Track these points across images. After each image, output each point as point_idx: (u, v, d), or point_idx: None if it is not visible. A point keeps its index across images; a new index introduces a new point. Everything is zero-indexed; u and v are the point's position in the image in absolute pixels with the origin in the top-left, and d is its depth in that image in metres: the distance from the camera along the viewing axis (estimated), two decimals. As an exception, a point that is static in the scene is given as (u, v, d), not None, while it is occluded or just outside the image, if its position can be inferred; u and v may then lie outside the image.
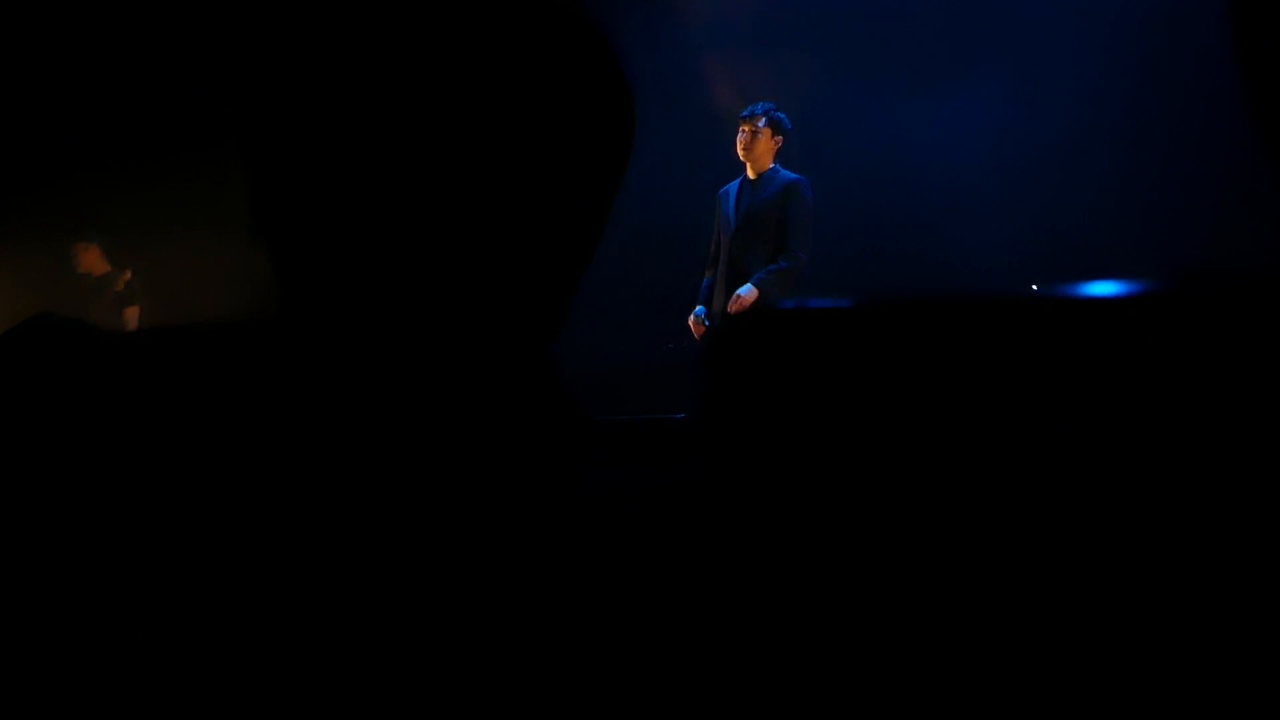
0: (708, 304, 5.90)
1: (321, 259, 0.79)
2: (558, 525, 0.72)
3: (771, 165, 5.86)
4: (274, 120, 0.80)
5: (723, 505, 0.60)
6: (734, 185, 5.91)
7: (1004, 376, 0.54)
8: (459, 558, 0.70)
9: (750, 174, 5.86)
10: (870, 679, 0.57)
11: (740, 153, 5.84)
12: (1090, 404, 0.53)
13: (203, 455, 0.70)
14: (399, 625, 0.68)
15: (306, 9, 0.80)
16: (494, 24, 0.80)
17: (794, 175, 5.85)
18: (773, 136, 5.84)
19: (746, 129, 5.83)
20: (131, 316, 7.66)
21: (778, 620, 0.59)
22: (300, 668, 0.68)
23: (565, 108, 0.81)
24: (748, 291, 5.70)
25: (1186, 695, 0.54)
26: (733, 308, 5.68)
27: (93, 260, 7.82)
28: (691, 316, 5.91)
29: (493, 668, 0.68)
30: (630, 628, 0.69)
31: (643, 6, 7.23)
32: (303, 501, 0.70)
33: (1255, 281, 0.53)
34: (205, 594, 0.68)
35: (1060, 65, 7.09)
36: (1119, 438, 0.53)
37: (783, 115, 5.91)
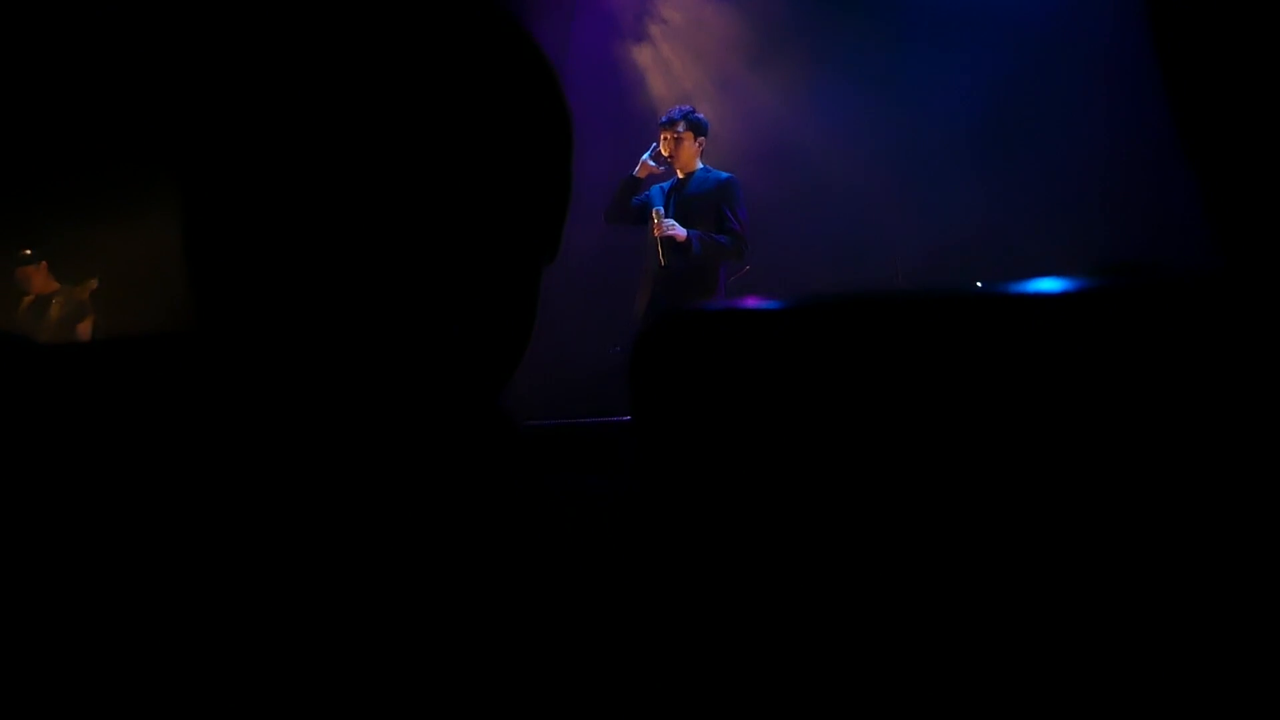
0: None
1: (250, 271, 0.76)
2: (492, 530, 0.70)
3: (699, 165, 5.85)
4: (206, 130, 0.78)
5: (651, 511, 0.59)
6: (661, 185, 5.88)
7: (940, 376, 0.53)
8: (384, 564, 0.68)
9: (679, 174, 5.85)
10: (806, 679, 0.55)
11: (666, 158, 5.82)
12: (1031, 404, 0.52)
13: (137, 469, 0.69)
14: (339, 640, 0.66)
15: (247, 20, 0.77)
16: (427, 38, 0.77)
17: (725, 174, 5.84)
18: (695, 139, 5.83)
19: (668, 136, 5.81)
20: (84, 330, 7.48)
21: (711, 625, 0.57)
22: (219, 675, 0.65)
23: (504, 123, 0.79)
24: (679, 229, 5.65)
25: (1156, 696, 0.52)
26: (658, 230, 5.66)
27: (41, 280, 7.65)
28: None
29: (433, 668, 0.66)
30: (571, 629, 0.67)
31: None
32: (229, 516, 0.68)
33: (1198, 275, 0.52)
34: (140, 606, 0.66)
35: (980, 55, 7.17)
36: (1056, 439, 0.52)
37: (701, 117, 5.91)
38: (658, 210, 5.72)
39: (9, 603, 0.65)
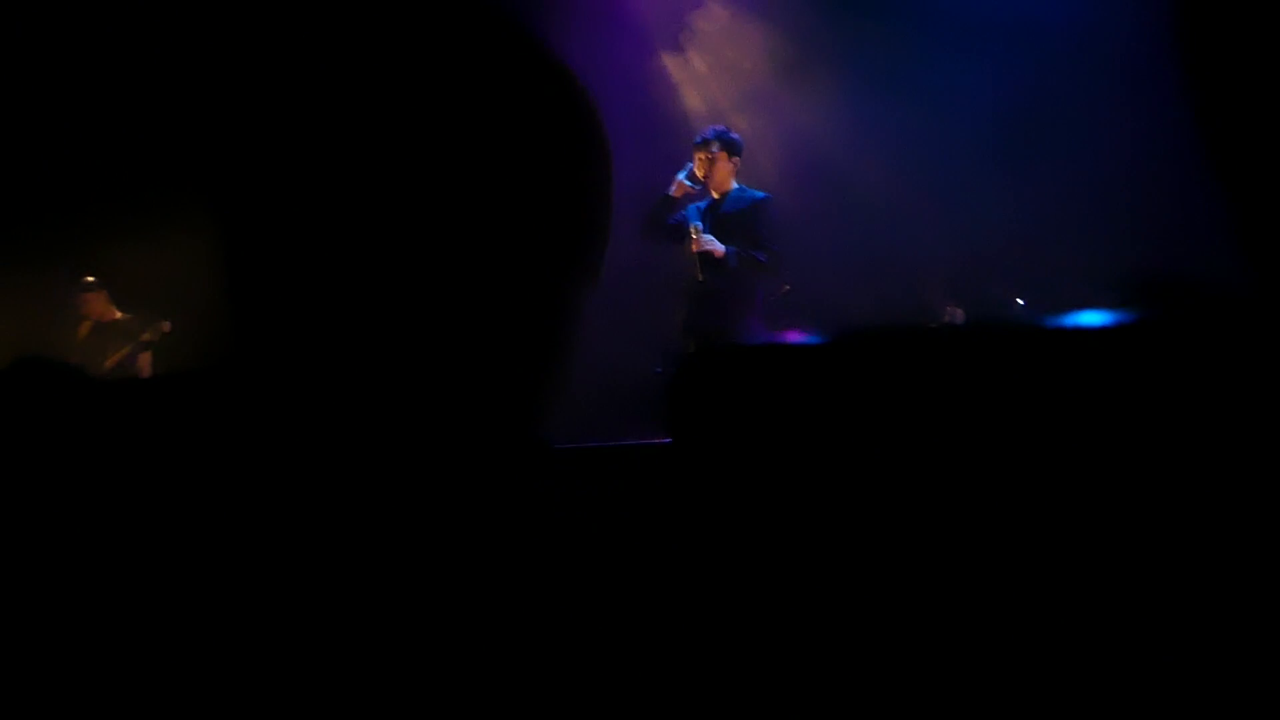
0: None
1: (292, 294, 0.76)
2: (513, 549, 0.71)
3: (734, 185, 5.83)
4: (246, 159, 0.78)
5: (687, 534, 0.59)
6: (698, 204, 5.85)
7: (978, 411, 0.53)
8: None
9: (714, 194, 5.82)
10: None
11: (701, 179, 5.79)
12: (1070, 442, 0.52)
13: (172, 496, 0.69)
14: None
15: (281, 38, 0.78)
16: (468, 67, 0.78)
17: (761, 193, 5.83)
18: (729, 159, 5.80)
19: (702, 156, 5.78)
20: (145, 363, 7.45)
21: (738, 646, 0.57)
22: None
23: (546, 159, 0.79)
24: (716, 244, 5.65)
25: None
26: (696, 245, 5.66)
27: (101, 306, 7.63)
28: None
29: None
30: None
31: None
32: (260, 543, 0.69)
33: (1229, 300, 0.51)
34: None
35: (1007, 66, 7.13)
36: (1098, 466, 0.52)
37: (735, 136, 5.89)
38: (695, 225, 5.71)
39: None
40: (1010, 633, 0.53)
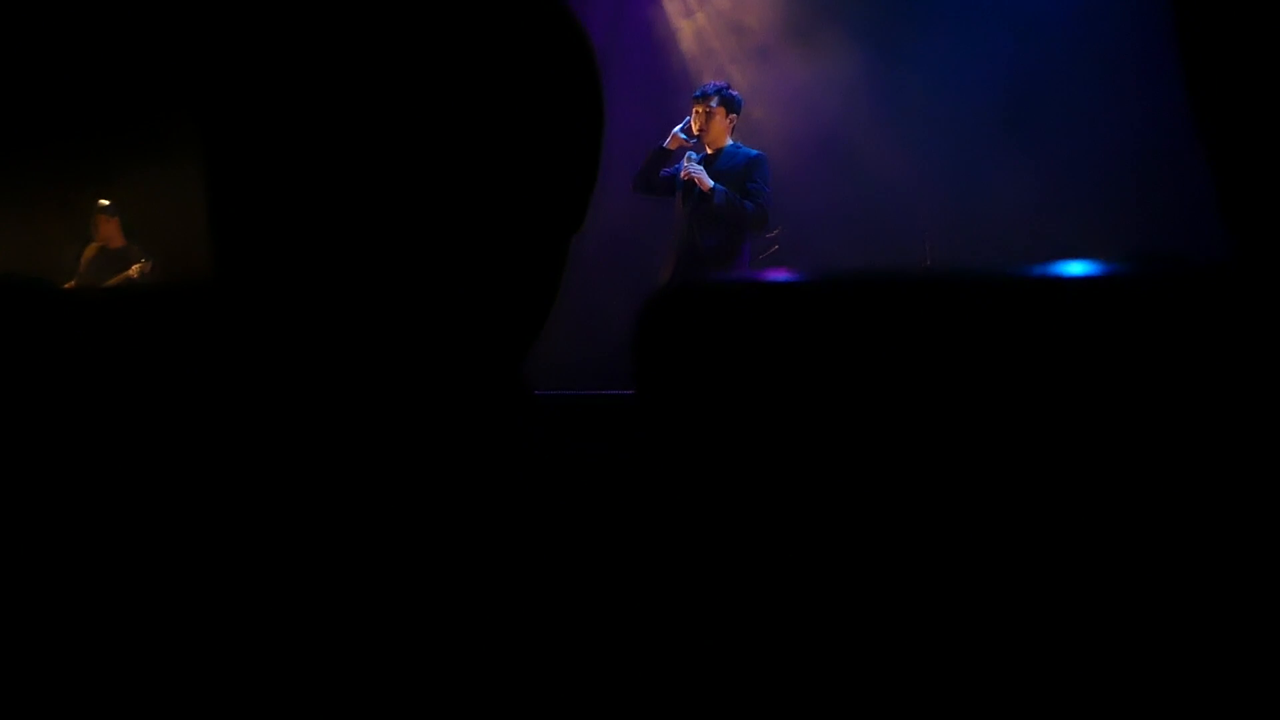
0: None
1: (271, 225, 0.76)
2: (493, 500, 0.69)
3: (729, 142, 5.85)
4: (230, 79, 0.77)
5: (653, 483, 0.58)
6: (691, 156, 5.85)
7: (960, 360, 0.51)
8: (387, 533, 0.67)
9: (709, 150, 5.84)
10: (808, 657, 0.54)
11: (696, 132, 5.82)
12: (1049, 388, 0.50)
13: (149, 423, 0.68)
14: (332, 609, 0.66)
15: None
16: (462, 13, 0.76)
17: (754, 151, 5.85)
18: (727, 115, 5.83)
19: (700, 110, 5.81)
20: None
21: (713, 605, 0.56)
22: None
23: (534, 90, 0.78)
24: (705, 177, 5.69)
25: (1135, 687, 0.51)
26: (685, 173, 5.72)
27: (111, 232, 7.64)
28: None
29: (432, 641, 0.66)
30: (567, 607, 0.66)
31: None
32: (239, 475, 0.68)
33: (1219, 265, 0.50)
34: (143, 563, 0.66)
35: (1009, 40, 7.12)
36: (1073, 425, 0.50)
37: (735, 93, 5.93)
38: (690, 156, 5.76)
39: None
40: (980, 591, 0.52)
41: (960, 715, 0.52)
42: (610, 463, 0.71)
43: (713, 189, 5.68)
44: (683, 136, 5.80)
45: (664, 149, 5.84)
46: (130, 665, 0.65)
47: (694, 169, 5.72)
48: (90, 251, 7.70)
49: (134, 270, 7.45)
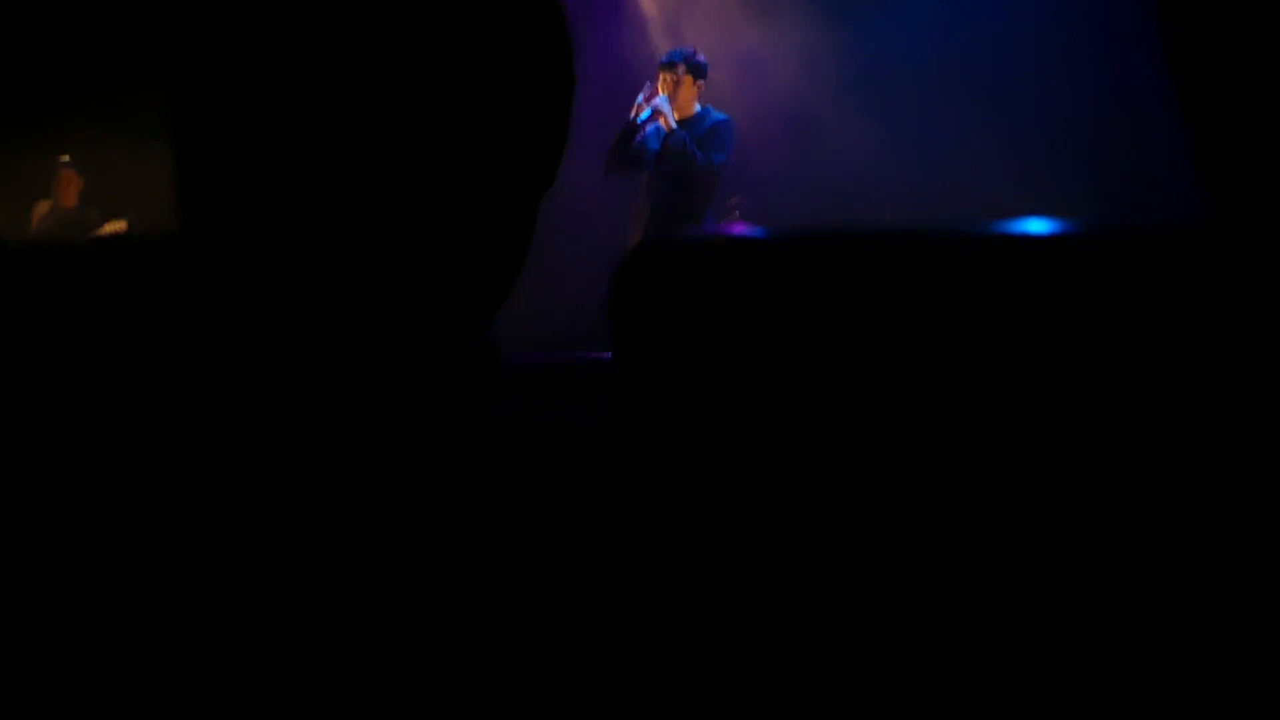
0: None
1: (235, 185, 0.75)
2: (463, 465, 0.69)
3: (698, 108, 5.82)
4: (199, 42, 0.76)
5: (629, 445, 0.58)
6: (658, 126, 5.80)
7: (930, 316, 0.51)
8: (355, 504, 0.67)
9: (675, 116, 5.78)
10: (780, 630, 0.54)
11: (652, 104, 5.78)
12: (1013, 346, 0.51)
13: (109, 385, 0.68)
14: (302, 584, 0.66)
15: None
16: None
17: (722, 115, 5.81)
18: (695, 82, 5.80)
19: (668, 77, 5.77)
20: None
21: (684, 568, 0.56)
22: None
23: (503, 59, 0.77)
24: (671, 118, 5.66)
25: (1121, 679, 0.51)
26: (646, 102, 5.71)
27: (68, 189, 7.49)
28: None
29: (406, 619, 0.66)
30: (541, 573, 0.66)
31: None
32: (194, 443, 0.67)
33: (1187, 227, 0.51)
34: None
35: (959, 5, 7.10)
36: (1042, 387, 0.51)
37: (702, 59, 5.88)
38: (661, 99, 5.73)
39: None
40: (951, 570, 0.53)
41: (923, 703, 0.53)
42: (584, 429, 0.71)
43: (674, 129, 5.65)
44: (642, 102, 5.77)
45: (631, 123, 5.80)
46: (90, 649, 0.65)
47: (664, 106, 5.69)
48: (43, 209, 7.56)
49: (107, 230, 7.32)
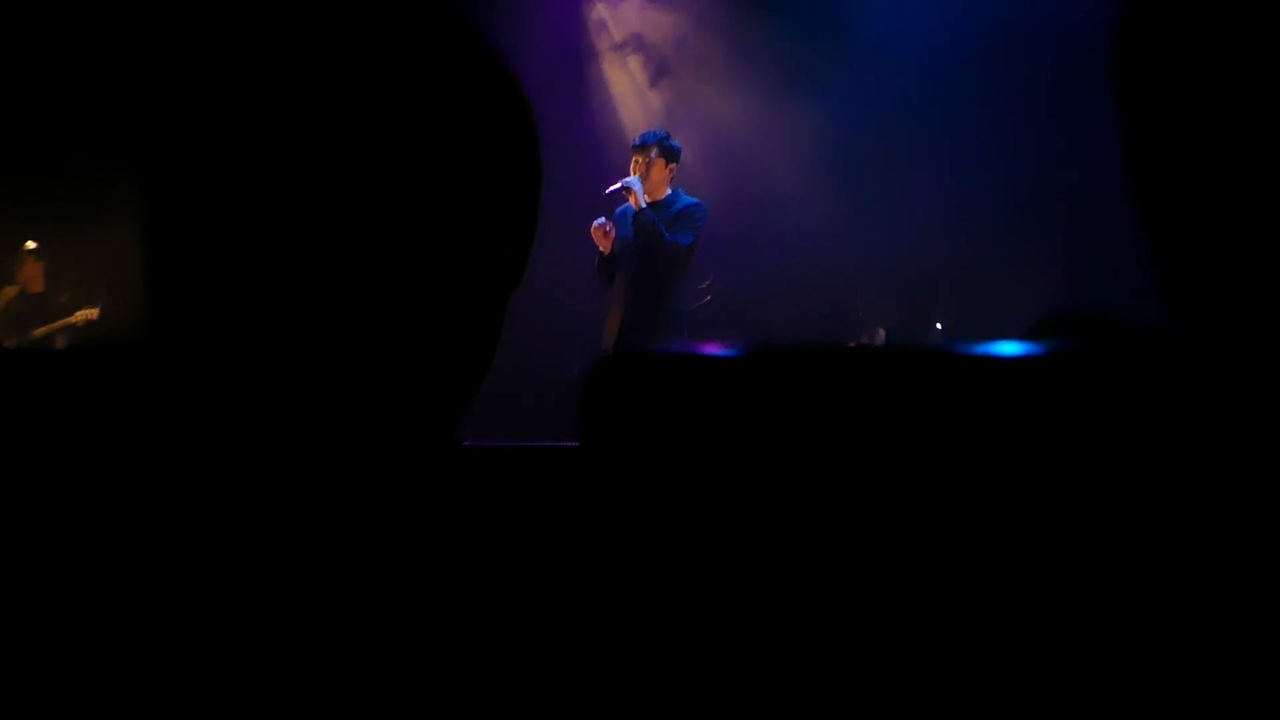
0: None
1: (207, 281, 0.75)
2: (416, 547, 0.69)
3: (669, 191, 5.85)
4: (177, 133, 0.76)
5: (595, 547, 0.58)
6: (627, 208, 5.83)
7: (896, 434, 0.52)
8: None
9: (646, 199, 5.78)
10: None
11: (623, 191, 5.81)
12: (983, 466, 0.51)
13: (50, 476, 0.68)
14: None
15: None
16: (399, 55, 0.76)
17: (693, 200, 5.83)
18: (666, 165, 5.82)
19: (639, 159, 5.81)
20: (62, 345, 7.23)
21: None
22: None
23: (469, 160, 0.78)
24: (640, 195, 5.68)
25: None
26: (614, 189, 5.73)
27: (34, 274, 7.46)
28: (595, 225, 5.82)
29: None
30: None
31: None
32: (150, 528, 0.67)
33: (1149, 336, 0.51)
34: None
35: (939, 78, 7.19)
36: (1007, 501, 0.51)
37: (674, 143, 5.91)
38: (634, 181, 5.75)
39: None
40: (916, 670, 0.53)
41: None
42: (548, 522, 0.71)
43: (643, 209, 5.68)
44: (620, 183, 5.81)
45: (602, 255, 5.83)
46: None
47: (635, 185, 5.72)
48: (10, 293, 7.54)
49: (79, 317, 7.30)
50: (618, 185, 5.79)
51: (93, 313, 7.29)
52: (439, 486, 0.75)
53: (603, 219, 5.82)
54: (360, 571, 0.68)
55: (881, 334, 6.84)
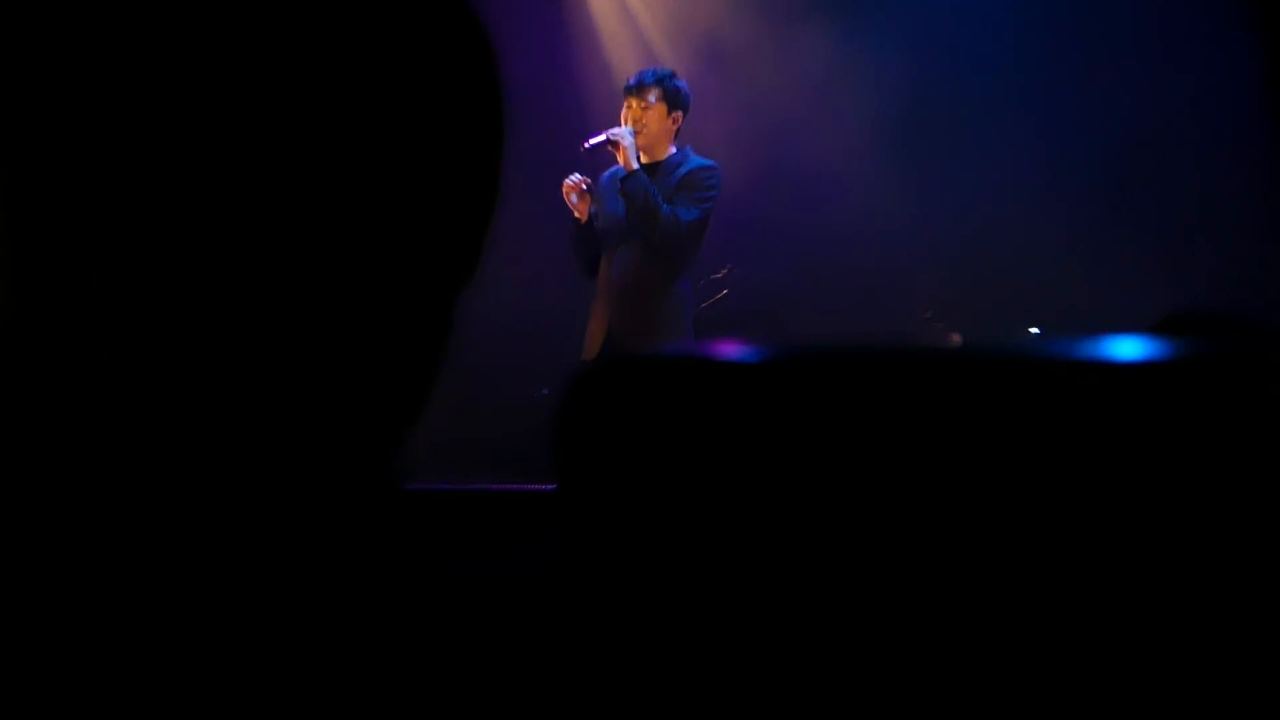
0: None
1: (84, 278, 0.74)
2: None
3: (672, 149, 5.49)
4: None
5: (581, 596, 0.59)
6: (615, 170, 5.50)
7: (973, 461, 0.52)
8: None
9: (642, 158, 5.43)
10: None
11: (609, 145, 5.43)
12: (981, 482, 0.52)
13: None
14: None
15: None
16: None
17: (705, 160, 5.48)
18: (669, 113, 5.44)
19: (634, 104, 5.43)
20: None
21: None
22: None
23: (417, 101, 0.77)
24: (632, 151, 5.33)
25: None
26: (611, 138, 5.38)
27: None
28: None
29: None
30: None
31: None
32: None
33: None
34: None
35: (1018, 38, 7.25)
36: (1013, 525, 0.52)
37: (682, 84, 5.51)
38: (626, 131, 5.38)
39: None
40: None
41: None
42: (514, 572, 0.71)
43: (635, 171, 5.31)
44: (605, 134, 5.39)
45: (578, 224, 5.49)
46: None
47: (626, 137, 5.33)
48: None
49: None
50: (601, 137, 5.38)
51: None
52: (369, 540, 0.75)
53: (578, 175, 5.45)
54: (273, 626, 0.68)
55: (957, 340, 6.86)
